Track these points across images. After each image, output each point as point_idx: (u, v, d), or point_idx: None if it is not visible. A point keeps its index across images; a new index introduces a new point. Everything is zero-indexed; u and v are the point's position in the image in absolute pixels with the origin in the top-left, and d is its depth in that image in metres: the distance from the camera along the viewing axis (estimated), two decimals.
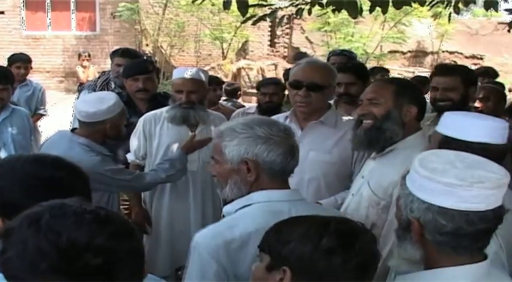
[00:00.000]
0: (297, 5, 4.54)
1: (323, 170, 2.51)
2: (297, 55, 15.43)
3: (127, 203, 3.41)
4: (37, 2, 14.32)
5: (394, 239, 1.45)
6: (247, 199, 1.64)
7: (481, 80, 4.52)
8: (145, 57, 6.39)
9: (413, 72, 13.66)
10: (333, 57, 4.44)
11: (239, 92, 6.01)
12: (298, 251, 1.26)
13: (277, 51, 16.47)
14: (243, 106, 5.47)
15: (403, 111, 2.11)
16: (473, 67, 8.11)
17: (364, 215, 2.09)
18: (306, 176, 2.45)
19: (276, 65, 15.24)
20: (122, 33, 14.48)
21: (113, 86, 4.00)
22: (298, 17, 4.90)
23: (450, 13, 5.48)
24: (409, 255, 1.31)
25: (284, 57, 16.27)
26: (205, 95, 3.23)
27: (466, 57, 16.46)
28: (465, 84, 2.88)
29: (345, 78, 3.35)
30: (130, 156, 3.25)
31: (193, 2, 5.35)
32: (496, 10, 4.45)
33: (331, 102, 3.15)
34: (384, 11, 4.40)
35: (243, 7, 3.83)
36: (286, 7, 5.10)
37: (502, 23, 13.41)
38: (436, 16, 10.93)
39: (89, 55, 10.12)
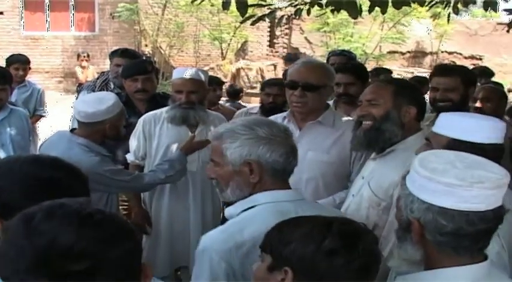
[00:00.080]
0: (296, 5, 4.54)
1: (321, 170, 2.50)
2: (288, 56, 15.46)
3: (126, 203, 3.40)
4: (36, 3, 14.33)
5: (394, 239, 1.45)
6: (250, 201, 1.62)
7: (478, 80, 4.51)
8: (144, 58, 6.40)
9: (413, 73, 13.67)
10: (332, 58, 4.44)
11: (241, 94, 6.01)
12: (300, 252, 1.25)
13: (277, 52, 16.49)
14: (243, 106, 5.46)
15: (402, 111, 2.11)
16: (472, 67, 8.11)
17: (365, 216, 2.08)
18: (304, 175, 2.44)
19: (275, 66, 15.25)
20: (121, 33, 14.50)
21: (112, 86, 3.99)
22: (297, 17, 4.90)
23: (449, 13, 5.49)
24: (409, 255, 1.31)
25: (283, 58, 16.28)
26: (205, 95, 3.23)
27: (465, 58, 16.49)
28: (465, 85, 2.88)
29: (344, 79, 3.34)
30: (129, 157, 3.25)
31: (192, 2, 5.34)
32: (495, 10, 4.46)
33: (331, 102, 3.14)
34: (383, 11, 4.40)
35: (242, 7, 3.83)
36: (285, 7, 5.10)
37: (501, 24, 13.46)
38: (435, 16, 10.96)
39: (88, 55, 10.12)
